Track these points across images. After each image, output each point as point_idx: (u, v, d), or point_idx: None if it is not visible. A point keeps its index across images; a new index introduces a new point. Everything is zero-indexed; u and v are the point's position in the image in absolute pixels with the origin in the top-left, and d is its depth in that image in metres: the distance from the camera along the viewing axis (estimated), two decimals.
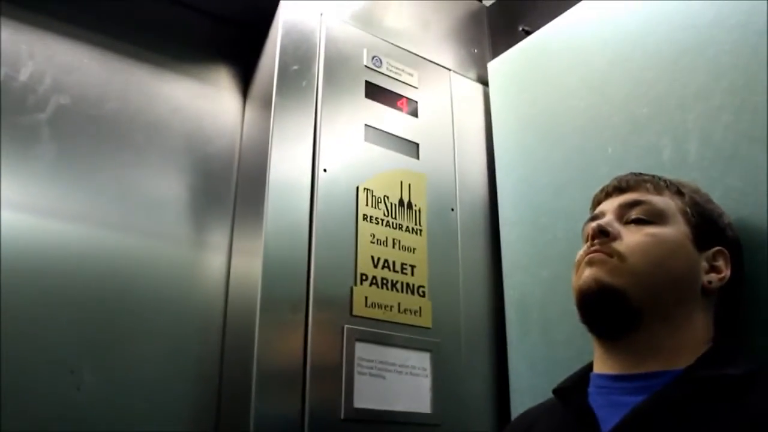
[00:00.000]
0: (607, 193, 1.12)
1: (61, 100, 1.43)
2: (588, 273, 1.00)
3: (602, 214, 1.08)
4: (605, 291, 0.98)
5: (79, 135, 1.43)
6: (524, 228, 1.57)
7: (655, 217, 1.03)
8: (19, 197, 1.32)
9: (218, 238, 1.53)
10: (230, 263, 1.52)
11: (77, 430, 1.26)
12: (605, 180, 1.14)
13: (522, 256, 1.55)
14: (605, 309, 0.99)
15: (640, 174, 1.11)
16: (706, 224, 1.04)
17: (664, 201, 1.05)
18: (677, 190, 1.07)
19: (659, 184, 1.08)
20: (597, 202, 1.14)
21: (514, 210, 1.62)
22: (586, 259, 1.02)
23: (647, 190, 1.07)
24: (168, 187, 1.51)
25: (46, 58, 1.44)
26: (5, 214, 1.29)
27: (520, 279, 1.54)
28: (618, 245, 1.00)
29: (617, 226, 1.03)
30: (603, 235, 1.02)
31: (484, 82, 1.86)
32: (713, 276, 1.01)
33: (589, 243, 1.04)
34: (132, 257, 1.41)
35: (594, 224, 1.04)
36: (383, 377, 1.35)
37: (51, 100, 1.42)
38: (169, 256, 1.46)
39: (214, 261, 1.51)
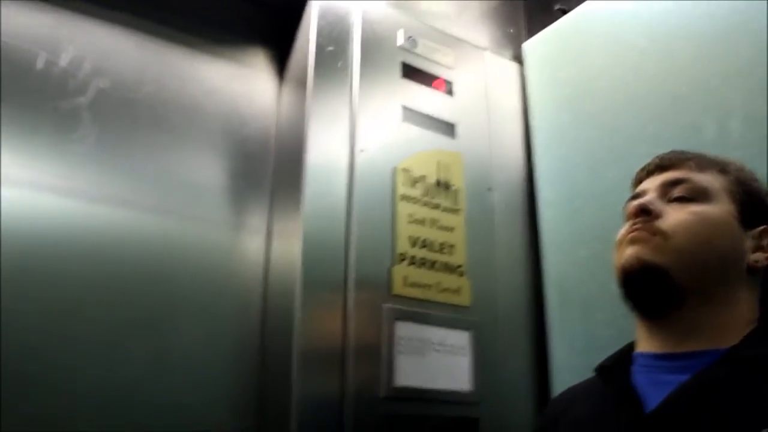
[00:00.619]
0: (648, 172, 1.10)
1: (100, 84, 1.45)
2: (630, 251, 0.99)
3: (644, 193, 1.07)
4: (648, 269, 0.97)
5: (118, 118, 1.44)
6: (562, 207, 1.56)
7: (698, 195, 1.01)
8: (62, 181, 1.35)
9: (256, 221, 1.54)
10: (269, 245, 1.53)
11: (123, 404, 1.29)
12: (644, 159, 1.13)
13: (560, 236, 1.55)
14: (648, 287, 0.98)
15: (683, 152, 1.10)
16: (751, 203, 1.02)
17: (708, 179, 1.03)
18: (721, 168, 1.05)
19: (703, 162, 1.06)
20: (638, 180, 1.13)
21: (552, 189, 1.61)
22: (629, 237, 1.01)
23: (690, 168, 1.05)
24: (206, 170, 1.52)
25: (86, 43, 1.46)
26: (49, 198, 1.32)
27: (559, 258, 1.54)
28: (661, 223, 0.99)
29: (660, 205, 1.02)
30: (645, 213, 1.00)
31: (519, 61, 1.85)
32: (759, 255, 1.00)
33: (631, 221, 1.02)
34: (171, 240, 1.43)
35: (636, 203, 1.02)
36: (423, 356, 1.36)
37: (91, 84, 1.43)
38: (207, 239, 1.48)
39: (252, 243, 1.52)
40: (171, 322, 1.38)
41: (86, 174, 1.37)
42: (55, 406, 1.22)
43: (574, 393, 1.16)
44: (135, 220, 1.40)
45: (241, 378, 1.42)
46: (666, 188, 1.04)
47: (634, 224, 1.01)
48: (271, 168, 1.60)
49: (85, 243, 1.33)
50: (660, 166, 1.08)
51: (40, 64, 1.39)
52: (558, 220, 1.57)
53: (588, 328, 1.41)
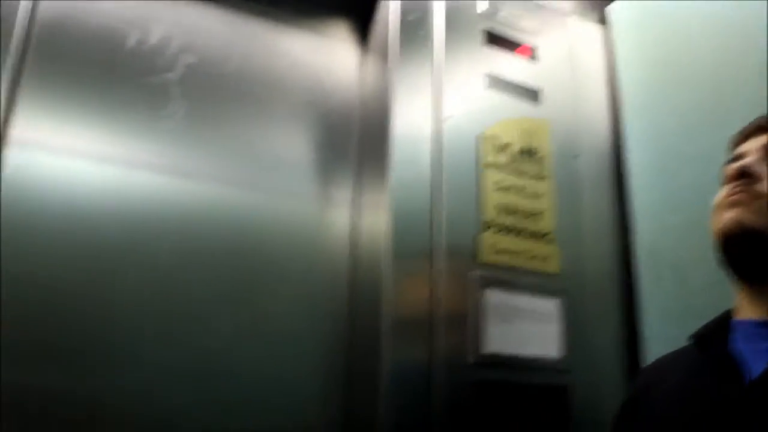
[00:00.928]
0: (748, 134, 1.05)
1: (188, 60, 1.48)
2: (729, 215, 0.96)
3: (744, 155, 1.02)
4: (748, 233, 0.93)
5: (206, 94, 1.48)
6: (654, 173, 1.52)
7: None
8: (153, 158, 1.39)
9: (342, 193, 1.56)
10: (355, 217, 1.55)
11: (215, 377, 1.33)
12: (741, 122, 1.09)
13: (651, 202, 1.51)
14: (749, 252, 0.95)
15: None
16: None
17: None
18: None
19: None
20: (737, 142, 1.09)
21: (642, 154, 1.57)
22: (728, 200, 0.97)
23: None
24: (292, 143, 1.54)
25: (174, 20, 1.50)
26: (141, 174, 1.37)
27: (651, 225, 1.50)
28: (762, 187, 0.95)
29: (761, 167, 0.98)
30: (746, 176, 0.96)
31: (604, 23, 1.80)
32: None
33: (730, 185, 0.98)
34: (259, 214, 1.46)
35: (736, 165, 0.98)
36: (511, 323, 1.35)
37: (179, 60, 1.47)
38: (294, 213, 1.50)
39: (339, 215, 1.54)
40: (260, 295, 1.42)
41: (176, 150, 1.42)
42: (150, 380, 1.28)
43: (666, 362, 1.14)
44: (223, 195, 1.44)
45: (329, 349, 1.45)
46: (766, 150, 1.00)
47: (734, 187, 0.97)
48: (356, 139, 1.61)
49: (175, 218, 1.38)
50: (760, 127, 1.03)
51: (130, 42, 1.43)
52: (649, 186, 1.53)
53: (681, 296, 1.38)
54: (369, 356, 1.32)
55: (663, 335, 1.40)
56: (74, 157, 1.33)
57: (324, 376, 1.43)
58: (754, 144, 1.02)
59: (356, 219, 1.54)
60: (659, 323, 1.43)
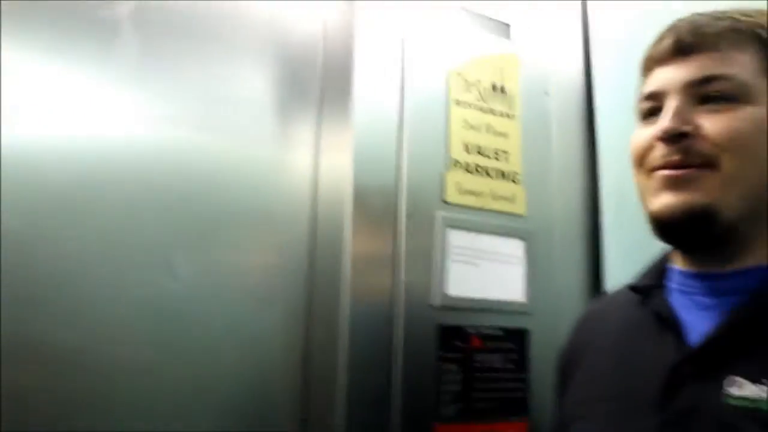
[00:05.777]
0: (661, 59, 0.84)
1: None
2: (671, 199, 0.79)
3: (661, 95, 0.82)
4: (695, 215, 0.78)
5: (160, 28, 1.38)
6: (623, 113, 1.49)
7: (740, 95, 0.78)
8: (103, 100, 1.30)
9: (303, 133, 1.48)
10: (317, 157, 1.48)
11: (174, 317, 1.28)
12: None
13: (620, 143, 1.49)
14: (694, 235, 0.80)
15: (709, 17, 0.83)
16: None
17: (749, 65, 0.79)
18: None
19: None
20: (648, 68, 0.87)
21: (611, 94, 1.54)
22: (666, 178, 0.79)
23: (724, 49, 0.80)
24: (252, 82, 1.46)
25: None
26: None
27: (618, 167, 1.48)
28: (703, 145, 0.77)
29: (689, 113, 0.79)
30: (677, 139, 0.78)
31: None
32: None
33: (662, 150, 0.80)
34: (217, 156, 1.37)
35: (666, 127, 0.78)
36: (476, 265, 1.33)
37: None
38: (254, 154, 1.42)
39: (300, 156, 1.46)
40: (219, 236, 1.35)
41: (127, 89, 1.31)
42: (109, 318, 1.22)
43: (604, 310, 1.07)
44: (179, 137, 1.34)
45: (288, 288, 1.40)
46: (692, 89, 0.80)
47: (672, 154, 0.79)
48: (319, 76, 1.53)
49: (130, 162, 1.29)
50: (680, 49, 0.82)
51: None
52: (618, 127, 1.50)
53: (647, 241, 1.37)
54: (329, 295, 1.29)
55: (626, 279, 1.40)
56: None
57: (282, 315, 1.38)
58: (673, 76, 0.82)
59: (319, 159, 1.47)
60: (622, 267, 1.42)
